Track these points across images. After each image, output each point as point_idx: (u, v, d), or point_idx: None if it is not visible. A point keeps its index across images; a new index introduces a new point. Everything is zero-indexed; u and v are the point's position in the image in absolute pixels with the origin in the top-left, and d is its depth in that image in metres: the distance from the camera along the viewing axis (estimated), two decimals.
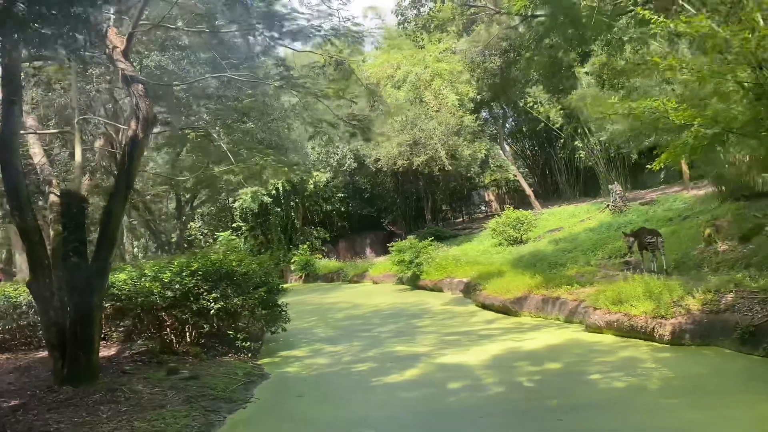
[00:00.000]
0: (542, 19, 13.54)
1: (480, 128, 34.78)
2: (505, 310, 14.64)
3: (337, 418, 8.07)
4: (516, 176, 36.84)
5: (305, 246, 36.26)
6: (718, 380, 7.64)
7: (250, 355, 12.48)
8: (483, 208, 47.05)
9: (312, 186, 36.45)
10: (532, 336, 11.82)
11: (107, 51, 10.10)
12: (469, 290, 18.50)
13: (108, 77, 15.65)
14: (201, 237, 45.00)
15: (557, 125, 34.76)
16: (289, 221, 39.28)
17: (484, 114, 37.87)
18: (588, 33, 11.87)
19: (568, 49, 13.05)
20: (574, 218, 29.37)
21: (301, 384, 10.30)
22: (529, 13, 12.48)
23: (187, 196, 39.23)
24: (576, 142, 35.57)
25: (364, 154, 33.33)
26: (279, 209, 38.67)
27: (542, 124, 36.74)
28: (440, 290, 21.08)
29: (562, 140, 37.17)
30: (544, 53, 15.90)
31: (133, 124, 9.56)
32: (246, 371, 11.01)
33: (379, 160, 31.90)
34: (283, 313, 13.70)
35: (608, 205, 27.71)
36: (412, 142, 30.70)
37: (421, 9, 15.39)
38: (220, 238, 36.81)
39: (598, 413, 6.98)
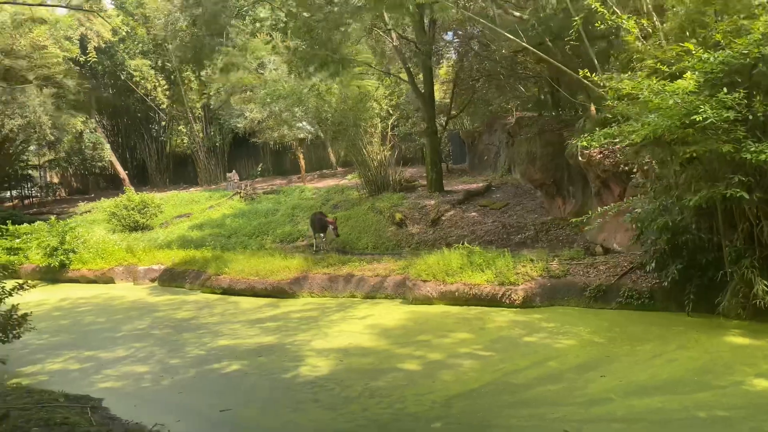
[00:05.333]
0: None
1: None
2: (276, 293, 13.34)
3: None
4: (111, 157, 32.76)
5: None
6: (633, 328, 9.09)
7: None
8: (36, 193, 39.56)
9: None
10: (364, 313, 11.30)
11: None
12: (175, 278, 15.93)
13: None
14: None
15: (163, 106, 32.68)
16: None
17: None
18: None
19: None
20: (196, 205, 28.21)
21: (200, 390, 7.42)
22: None
23: None
24: (180, 127, 34.08)
25: None
26: None
27: (138, 103, 33.92)
28: (110, 281, 17.35)
29: (163, 123, 34.94)
30: None
31: None
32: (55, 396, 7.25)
33: None
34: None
35: (238, 192, 27.67)
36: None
37: None
38: None
39: (616, 367, 7.49)
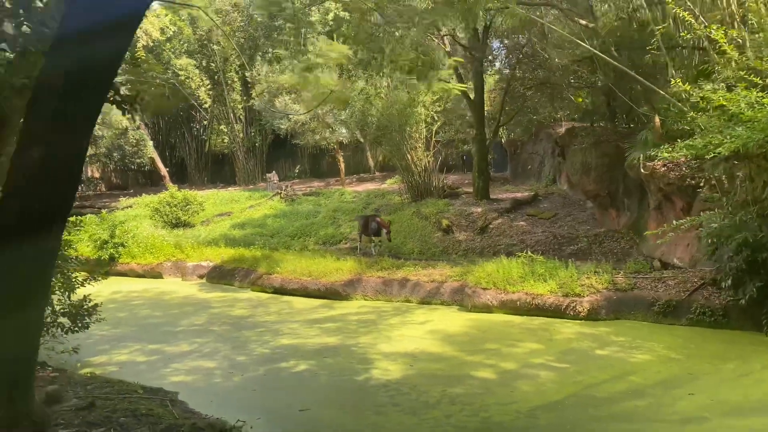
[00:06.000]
0: None
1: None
2: (330, 294, 13.29)
3: None
4: (152, 154, 33.17)
5: None
6: (709, 346, 8.85)
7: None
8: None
9: None
10: (423, 319, 11.18)
11: None
12: (224, 275, 16.00)
13: None
14: None
15: (206, 105, 32.97)
16: None
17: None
18: None
19: None
20: (236, 204, 28.30)
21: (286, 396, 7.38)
22: None
23: None
24: (222, 127, 34.30)
25: None
26: None
27: (181, 101, 34.21)
28: (158, 276, 17.49)
29: (205, 122, 35.23)
30: None
31: None
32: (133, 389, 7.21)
33: None
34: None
35: (278, 193, 27.70)
36: None
37: None
38: None
39: (702, 385, 7.27)
